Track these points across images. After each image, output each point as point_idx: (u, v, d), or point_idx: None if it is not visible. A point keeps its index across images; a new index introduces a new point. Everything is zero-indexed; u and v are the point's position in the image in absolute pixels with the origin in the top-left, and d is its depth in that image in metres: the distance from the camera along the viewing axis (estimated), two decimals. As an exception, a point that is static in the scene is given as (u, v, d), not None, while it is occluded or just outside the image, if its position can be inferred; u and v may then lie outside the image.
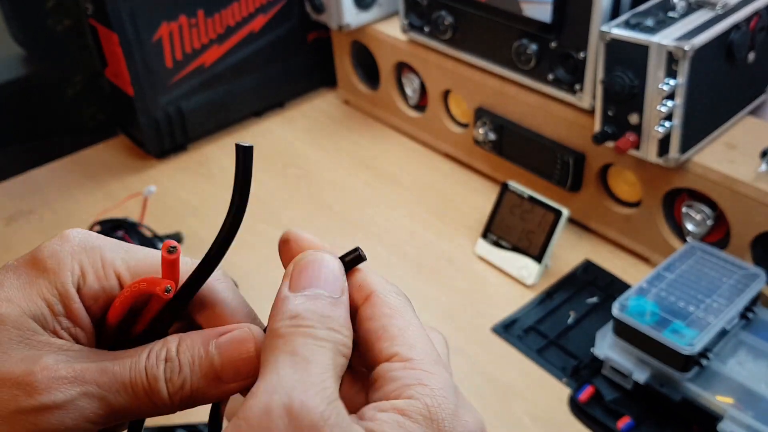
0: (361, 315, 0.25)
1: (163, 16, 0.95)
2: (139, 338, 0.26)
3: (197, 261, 0.26)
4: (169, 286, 0.25)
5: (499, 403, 0.66)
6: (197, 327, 0.27)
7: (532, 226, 0.79)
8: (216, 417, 0.27)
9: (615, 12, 0.73)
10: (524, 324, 0.74)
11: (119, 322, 0.26)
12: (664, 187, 0.75)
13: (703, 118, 0.71)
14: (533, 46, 0.79)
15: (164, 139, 1.02)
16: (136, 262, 0.27)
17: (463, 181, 0.96)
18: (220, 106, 1.06)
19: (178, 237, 0.87)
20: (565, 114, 0.81)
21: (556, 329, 0.73)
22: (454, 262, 0.83)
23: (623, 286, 0.76)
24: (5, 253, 0.88)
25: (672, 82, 0.66)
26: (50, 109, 1.09)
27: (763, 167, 0.68)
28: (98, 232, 0.80)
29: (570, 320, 0.74)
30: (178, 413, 0.25)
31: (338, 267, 0.25)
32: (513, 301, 0.77)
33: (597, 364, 0.67)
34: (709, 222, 0.73)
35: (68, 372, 0.23)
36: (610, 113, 0.72)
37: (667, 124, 0.68)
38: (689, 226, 0.75)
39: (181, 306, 0.26)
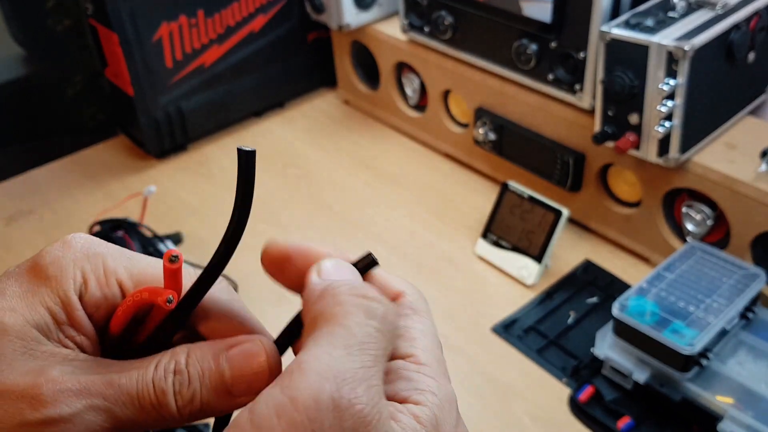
0: None
1: (163, 16, 0.95)
2: (143, 347, 0.25)
3: (199, 270, 0.25)
4: (170, 296, 0.24)
5: (499, 402, 0.66)
6: (201, 335, 0.27)
7: (532, 226, 0.79)
8: (223, 424, 0.27)
9: (615, 12, 0.73)
10: (524, 324, 0.74)
11: (122, 331, 0.26)
12: (664, 187, 0.75)
13: (703, 118, 0.71)
14: (533, 46, 0.79)
15: (164, 139, 1.02)
16: (138, 270, 0.26)
17: (463, 181, 0.96)
18: (220, 106, 1.06)
19: (178, 237, 0.87)
20: (565, 114, 0.81)
21: (556, 329, 0.73)
22: (454, 262, 0.83)
23: (623, 286, 0.76)
24: (5, 253, 0.88)
25: (672, 82, 0.66)
26: (50, 109, 1.09)
27: (763, 167, 0.68)
28: (98, 232, 0.80)
29: (570, 320, 0.74)
30: None
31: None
32: (513, 301, 0.77)
33: (597, 364, 0.67)
34: (709, 222, 0.73)
35: (74, 384, 0.22)
36: (610, 113, 0.72)
37: (667, 124, 0.68)
38: (689, 226, 0.75)
39: (184, 316, 0.25)
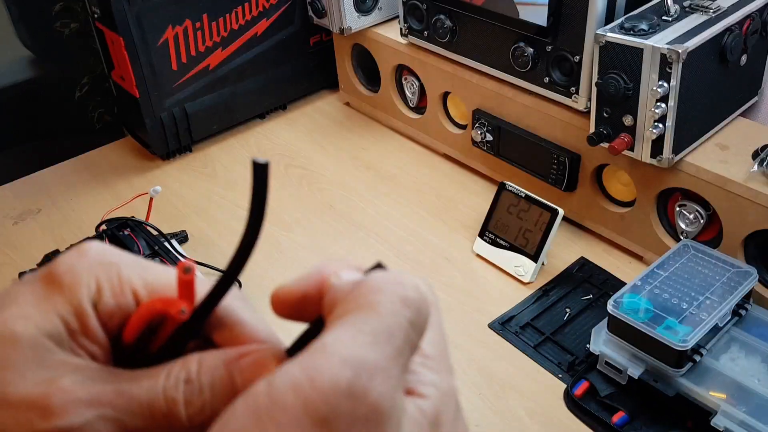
0: None
1: (169, 20, 0.96)
2: (156, 356, 0.25)
3: (213, 280, 0.26)
4: (184, 307, 0.24)
5: (495, 397, 0.67)
6: (215, 344, 0.26)
7: (528, 225, 0.80)
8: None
9: (610, 15, 0.74)
10: (521, 320, 0.75)
11: (135, 340, 0.26)
12: (657, 187, 0.76)
13: (697, 119, 0.72)
14: (530, 49, 0.81)
15: (169, 140, 1.03)
16: (153, 279, 0.26)
17: (461, 181, 0.97)
18: (224, 108, 1.08)
19: (184, 236, 0.88)
20: (560, 115, 0.82)
21: (552, 326, 0.74)
22: (453, 261, 0.84)
23: (618, 284, 0.77)
24: (13, 252, 0.90)
25: (665, 84, 0.67)
26: (57, 110, 1.10)
27: (755, 167, 0.69)
28: (104, 231, 0.81)
29: (566, 317, 0.75)
30: None
31: None
32: (510, 298, 0.78)
33: (592, 359, 0.68)
34: (702, 221, 0.74)
35: (84, 394, 0.22)
36: (604, 115, 0.73)
37: (660, 125, 0.69)
38: (682, 225, 0.76)
39: (197, 327, 0.25)
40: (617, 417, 0.64)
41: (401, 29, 0.96)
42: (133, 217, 0.84)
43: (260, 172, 0.23)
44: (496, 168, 0.94)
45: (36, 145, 1.11)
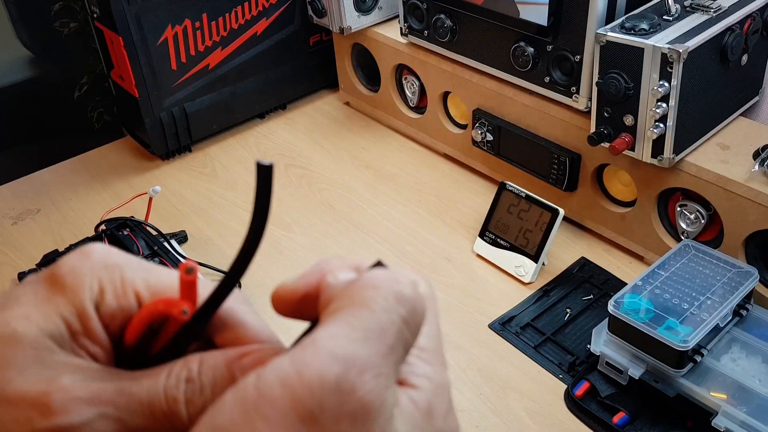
0: None
1: (168, 19, 0.96)
2: (157, 358, 0.25)
3: (215, 282, 0.26)
4: (186, 308, 0.24)
5: (496, 398, 0.67)
6: (216, 345, 0.26)
7: (529, 225, 0.80)
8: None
9: (610, 15, 0.74)
10: (521, 321, 0.75)
11: (137, 341, 0.26)
12: (658, 187, 0.76)
13: (697, 119, 0.72)
14: (530, 49, 0.80)
15: (169, 140, 1.03)
16: (156, 281, 0.26)
17: (461, 181, 0.97)
18: (224, 108, 1.07)
19: (183, 236, 0.88)
20: (561, 115, 0.82)
21: (552, 326, 0.74)
22: (453, 261, 0.84)
23: (618, 284, 0.77)
24: (13, 252, 0.89)
25: (666, 84, 0.67)
26: (57, 110, 1.10)
27: (756, 167, 0.69)
28: (104, 231, 0.81)
29: (566, 317, 0.75)
30: None
31: None
32: (510, 298, 0.78)
33: (593, 360, 0.68)
34: (703, 221, 0.74)
35: (85, 393, 0.22)
36: (605, 114, 0.73)
37: (661, 125, 0.69)
38: (683, 225, 0.76)
39: (199, 328, 0.25)
40: (618, 417, 0.64)
41: (401, 29, 0.96)
42: (132, 217, 0.84)
43: (264, 174, 0.23)
44: (496, 168, 0.94)
45: (35, 145, 1.11)
